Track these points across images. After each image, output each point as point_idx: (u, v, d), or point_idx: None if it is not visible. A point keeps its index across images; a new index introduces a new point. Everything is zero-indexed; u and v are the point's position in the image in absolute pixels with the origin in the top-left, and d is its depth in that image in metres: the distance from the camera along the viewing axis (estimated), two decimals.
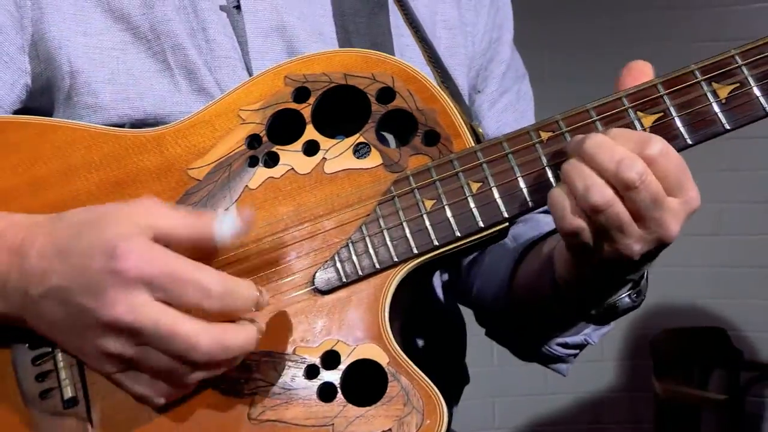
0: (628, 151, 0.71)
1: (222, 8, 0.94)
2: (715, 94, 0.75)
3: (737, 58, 0.75)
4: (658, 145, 0.71)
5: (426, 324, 0.99)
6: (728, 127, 0.74)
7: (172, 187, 0.84)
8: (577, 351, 1.05)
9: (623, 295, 0.84)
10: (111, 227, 0.71)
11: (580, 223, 0.72)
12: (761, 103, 0.74)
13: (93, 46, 0.91)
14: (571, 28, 3.61)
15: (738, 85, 0.74)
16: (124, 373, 0.73)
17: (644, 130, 0.76)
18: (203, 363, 0.70)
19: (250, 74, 0.92)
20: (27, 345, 0.79)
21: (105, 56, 0.91)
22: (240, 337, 0.71)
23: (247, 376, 0.77)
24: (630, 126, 0.76)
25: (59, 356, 0.78)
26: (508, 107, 1.10)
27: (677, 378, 3.34)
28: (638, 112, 0.76)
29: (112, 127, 0.87)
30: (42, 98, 0.94)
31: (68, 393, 0.77)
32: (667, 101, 0.76)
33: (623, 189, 0.70)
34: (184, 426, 0.76)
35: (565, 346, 1.03)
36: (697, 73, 0.76)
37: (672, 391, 3.21)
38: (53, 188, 0.84)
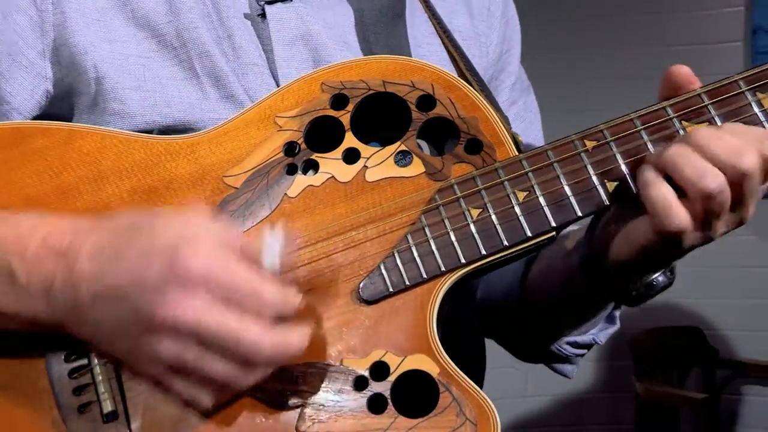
0: (735, 140, 0.72)
1: (246, 16, 0.93)
2: (760, 103, 0.76)
3: None
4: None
5: (461, 334, 0.98)
6: None
7: (208, 195, 0.82)
8: (585, 351, 1.05)
9: (658, 275, 0.85)
10: (170, 230, 0.70)
11: (687, 221, 0.73)
12: None
13: (118, 53, 0.89)
14: (550, 31, 3.64)
15: None
16: (174, 376, 0.71)
17: None
18: (263, 366, 0.70)
19: (277, 81, 0.91)
20: (62, 357, 0.77)
21: (130, 63, 0.89)
22: (297, 339, 0.71)
23: (293, 388, 0.75)
24: (674, 136, 0.76)
25: (97, 369, 0.76)
26: (516, 118, 1.10)
27: (657, 378, 3.39)
28: (683, 122, 0.77)
29: (142, 134, 0.86)
30: (62, 104, 0.92)
31: (108, 407, 0.75)
32: (712, 111, 0.76)
33: (736, 178, 0.72)
34: None
35: (575, 345, 1.03)
36: (741, 83, 0.76)
37: (652, 390, 3.25)
38: (83, 196, 0.83)
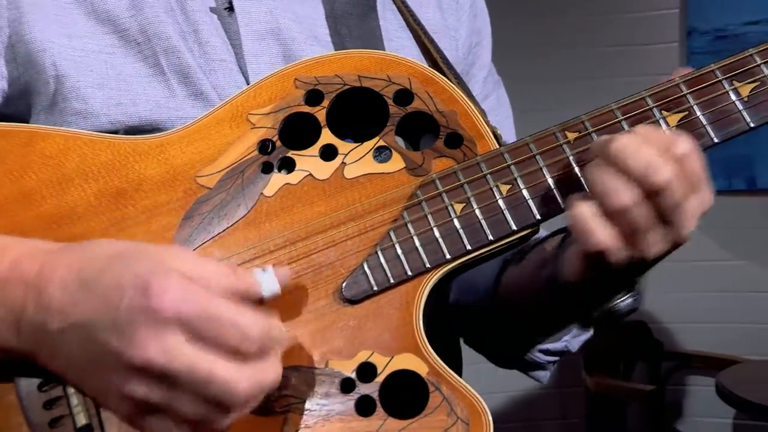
0: (655, 155, 0.71)
1: (212, 10, 0.89)
2: (737, 92, 0.76)
3: (756, 57, 0.77)
4: (683, 145, 0.72)
5: (440, 332, 0.97)
6: (753, 125, 0.76)
7: (180, 196, 0.79)
8: (557, 358, 1.05)
9: (624, 298, 0.84)
10: (144, 262, 0.66)
11: (606, 238, 0.71)
12: None
13: (78, 49, 0.85)
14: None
15: (759, 83, 0.76)
16: (144, 417, 0.67)
17: (670, 129, 0.76)
18: (238, 407, 0.65)
19: (246, 78, 0.88)
20: (31, 377, 0.73)
21: (92, 60, 0.85)
22: (273, 373, 0.67)
23: (278, 394, 0.73)
24: (655, 125, 0.76)
25: None
26: (490, 112, 1.09)
27: (605, 372, 3.44)
28: (663, 112, 0.77)
29: (108, 134, 0.82)
30: (19, 104, 0.87)
31: (81, 420, 0.71)
32: (691, 100, 0.77)
33: (651, 193, 0.70)
34: None
35: (547, 352, 1.02)
36: (717, 72, 0.77)
37: (602, 384, 3.30)
38: (46, 200, 0.78)
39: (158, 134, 0.82)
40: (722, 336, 3.69)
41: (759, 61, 0.77)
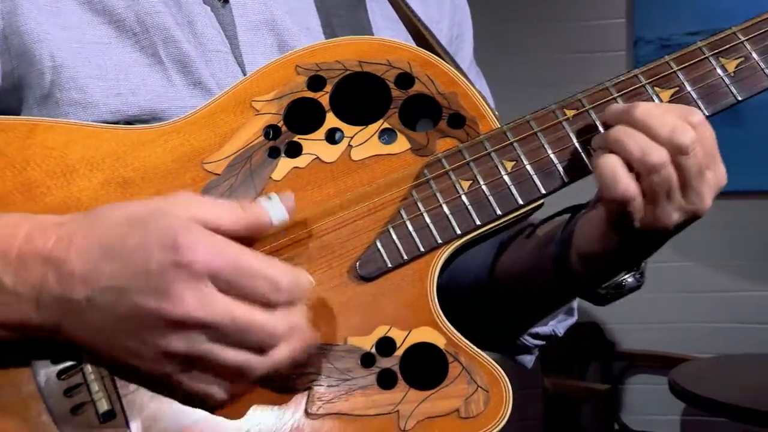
0: (678, 119, 0.75)
1: (206, 2, 0.90)
2: (723, 68, 0.81)
3: (738, 34, 0.81)
4: (698, 115, 0.76)
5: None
6: (740, 98, 0.80)
7: (188, 183, 0.79)
8: (544, 342, 1.07)
9: (628, 276, 0.87)
10: (164, 219, 0.66)
11: (633, 187, 0.74)
12: (766, 75, 0.80)
13: (75, 40, 0.85)
14: None
15: (743, 59, 0.81)
16: (185, 372, 0.68)
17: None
18: (278, 352, 0.67)
19: (242, 68, 0.89)
20: (49, 359, 0.72)
21: (89, 51, 0.85)
22: (303, 319, 0.69)
23: (299, 371, 0.74)
24: (649, 101, 0.80)
25: (88, 367, 0.71)
26: None
27: (560, 372, 3.50)
28: (656, 88, 0.80)
29: (109, 124, 0.82)
30: (10, 98, 0.86)
31: (104, 406, 0.71)
32: (681, 77, 0.80)
33: (676, 154, 0.74)
34: None
35: (536, 336, 1.05)
36: (704, 49, 0.81)
37: (559, 385, 3.36)
38: (51, 191, 0.78)
39: (162, 123, 0.82)
40: (671, 335, 3.79)
41: (742, 38, 0.81)
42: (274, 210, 0.71)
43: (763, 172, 3.58)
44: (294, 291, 0.68)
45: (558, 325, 1.05)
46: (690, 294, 3.78)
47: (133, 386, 0.71)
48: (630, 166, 0.75)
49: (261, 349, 0.67)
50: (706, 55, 0.81)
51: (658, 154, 0.74)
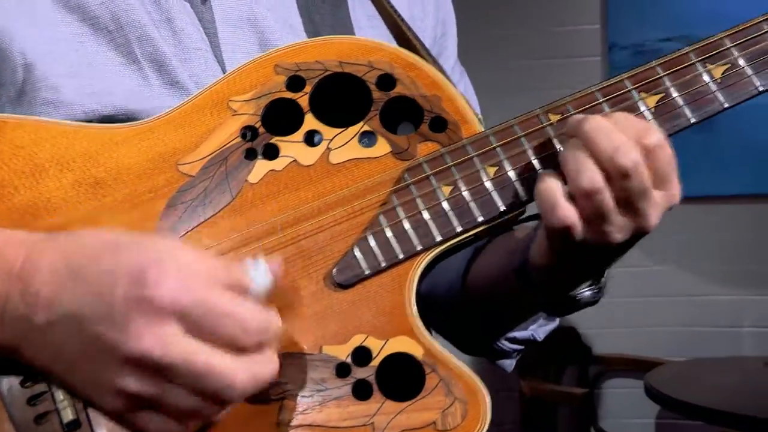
0: (625, 138, 0.72)
1: None
2: (710, 74, 0.79)
3: (726, 40, 0.80)
4: (656, 136, 0.72)
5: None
6: (726, 105, 0.78)
7: (162, 184, 0.77)
8: (523, 347, 1.06)
9: (585, 290, 0.85)
10: (137, 251, 0.63)
11: (570, 214, 0.72)
12: (753, 82, 0.79)
13: (47, 37, 0.82)
14: None
15: (730, 65, 0.79)
16: (135, 412, 0.64)
17: (649, 110, 0.79)
18: (236, 399, 0.64)
19: (222, 66, 0.86)
20: (10, 375, 0.69)
21: (62, 48, 0.82)
22: (270, 366, 0.65)
23: (272, 381, 0.71)
24: (634, 107, 0.79)
25: None
26: None
27: (538, 376, 3.50)
28: (642, 93, 0.79)
29: (82, 123, 0.79)
30: None
31: (68, 415, 0.68)
32: (667, 82, 0.79)
33: (616, 175, 0.71)
34: None
35: (513, 341, 1.03)
36: (692, 55, 0.79)
37: (536, 388, 3.36)
38: (19, 191, 0.75)
39: (136, 122, 0.79)
40: (646, 339, 3.81)
41: (729, 45, 0.80)
42: (258, 277, 0.66)
43: (734, 176, 3.60)
44: (263, 334, 0.63)
45: (538, 329, 1.04)
46: (664, 298, 3.80)
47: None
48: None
49: (218, 398, 0.63)
50: (693, 61, 0.79)
51: (590, 179, 0.71)
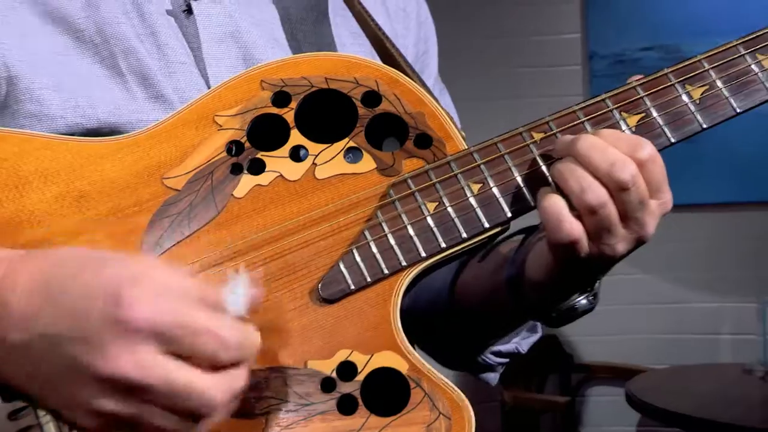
0: (620, 153, 0.74)
1: (169, 12, 0.88)
2: (689, 95, 0.81)
3: (704, 62, 0.81)
4: (648, 148, 0.75)
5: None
6: (705, 126, 0.80)
7: (147, 198, 0.77)
8: (507, 360, 1.07)
9: (581, 298, 0.87)
10: (114, 270, 0.63)
11: (576, 229, 0.74)
12: (731, 103, 0.81)
13: (32, 50, 0.82)
14: None
15: (708, 86, 0.81)
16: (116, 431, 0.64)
17: (630, 129, 0.80)
18: (216, 417, 0.64)
19: (206, 81, 0.87)
20: None
21: (46, 61, 0.82)
22: (244, 379, 0.65)
23: (257, 395, 0.72)
24: (616, 126, 0.80)
25: None
26: None
27: (520, 385, 3.52)
28: (623, 113, 0.80)
29: (67, 136, 0.79)
30: None
31: (51, 430, 0.68)
32: (648, 102, 0.80)
33: (616, 190, 0.74)
34: None
35: (498, 354, 1.04)
36: (671, 76, 0.81)
37: (519, 397, 3.38)
38: (3, 204, 0.75)
39: (121, 136, 0.79)
40: (627, 347, 3.84)
41: (707, 66, 0.81)
42: (238, 292, 0.65)
43: (714, 185, 3.65)
44: (242, 350, 0.64)
45: (521, 342, 1.05)
46: (645, 306, 3.83)
47: None
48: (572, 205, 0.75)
49: (198, 416, 0.63)
50: (673, 82, 0.81)
51: (596, 195, 0.73)
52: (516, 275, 0.86)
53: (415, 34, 1.08)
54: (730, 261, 3.76)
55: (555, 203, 0.75)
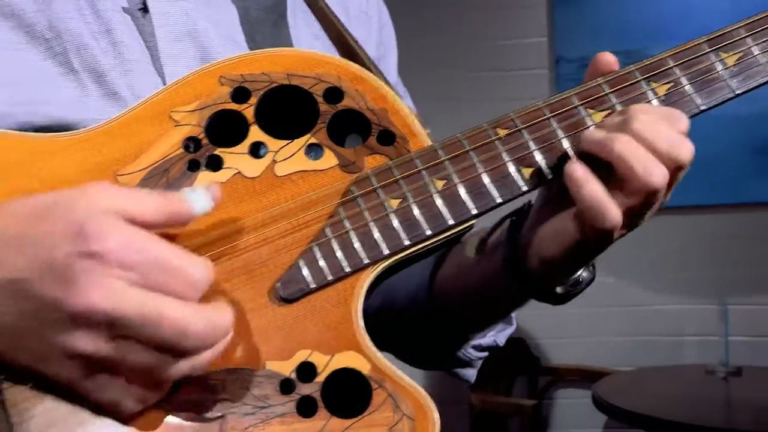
0: (672, 131, 0.74)
1: (125, 10, 0.86)
2: (654, 92, 0.80)
3: (669, 60, 0.81)
4: (685, 121, 0.76)
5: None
6: None
7: None
8: (486, 354, 1.06)
9: (583, 271, 0.87)
10: (73, 208, 0.61)
11: (620, 217, 0.74)
12: (694, 101, 0.80)
13: None
14: None
15: (673, 84, 0.80)
16: (91, 378, 0.62)
17: (595, 125, 0.79)
18: (193, 349, 0.62)
19: (163, 79, 0.85)
20: None
21: None
22: (226, 316, 0.64)
23: (213, 398, 0.69)
24: (582, 122, 0.79)
25: None
26: None
27: (488, 388, 3.52)
28: (588, 109, 0.79)
29: (18, 132, 0.76)
30: None
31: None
32: (613, 99, 0.80)
33: (674, 169, 0.74)
34: None
35: (478, 348, 1.03)
36: (636, 73, 0.80)
37: (487, 401, 3.37)
38: None
39: (74, 132, 0.77)
40: (594, 349, 3.86)
41: (672, 64, 0.81)
42: (198, 199, 0.67)
43: (679, 189, 3.65)
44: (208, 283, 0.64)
45: (498, 334, 1.04)
46: (611, 308, 3.86)
47: (27, 414, 0.66)
48: (616, 184, 0.74)
49: (175, 348, 0.61)
50: (638, 79, 0.80)
51: (661, 177, 0.73)
52: (513, 257, 0.84)
53: (376, 38, 1.08)
54: (693, 263, 3.80)
55: (597, 192, 0.74)
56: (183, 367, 0.63)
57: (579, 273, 0.85)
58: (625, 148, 0.73)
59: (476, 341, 1.01)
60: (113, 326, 0.60)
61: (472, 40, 3.89)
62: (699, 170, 3.66)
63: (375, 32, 1.07)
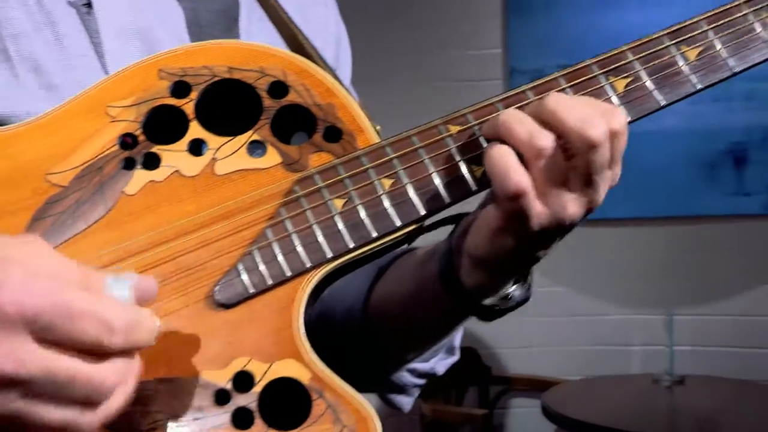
0: (593, 111, 0.71)
1: (71, 4, 0.82)
2: (613, 87, 0.77)
3: (628, 53, 0.78)
4: (621, 118, 0.72)
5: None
6: (630, 119, 0.76)
7: (28, 195, 0.70)
8: (422, 381, 1.01)
9: (515, 288, 0.83)
10: None
11: (525, 178, 0.70)
12: (655, 97, 0.77)
13: None
14: None
15: (633, 78, 0.77)
16: None
17: None
18: (109, 403, 0.58)
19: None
20: None
21: None
22: (138, 365, 0.59)
23: (144, 409, 0.65)
24: None
25: None
26: None
27: (439, 398, 3.49)
28: None
29: None
30: None
31: None
32: (570, 94, 0.76)
33: (584, 148, 0.70)
34: None
35: (414, 373, 0.99)
36: (594, 67, 0.78)
37: (438, 410, 3.35)
38: None
39: (3, 128, 0.72)
40: (543, 359, 3.87)
41: (631, 57, 0.78)
42: (118, 291, 0.59)
43: (626, 201, 3.71)
44: (131, 334, 0.57)
45: (438, 363, 0.99)
46: (560, 318, 3.87)
47: None
48: (520, 155, 0.71)
49: (89, 402, 0.57)
50: (596, 73, 0.77)
51: (545, 139, 0.70)
52: (449, 264, 0.81)
53: (333, 50, 1.05)
54: (640, 275, 3.83)
55: (502, 152, 0.71)
56: (98, 418, 0.58)
57: (509, 289, 0.81)
58: (510, 117, 0.72)
59: (413, 365, 0.96)
60: (20, 387, 0.54)
61: (427, 51, 3.89)
62: (646, 184, 3.68)
63: (332, 44, 1.04)
